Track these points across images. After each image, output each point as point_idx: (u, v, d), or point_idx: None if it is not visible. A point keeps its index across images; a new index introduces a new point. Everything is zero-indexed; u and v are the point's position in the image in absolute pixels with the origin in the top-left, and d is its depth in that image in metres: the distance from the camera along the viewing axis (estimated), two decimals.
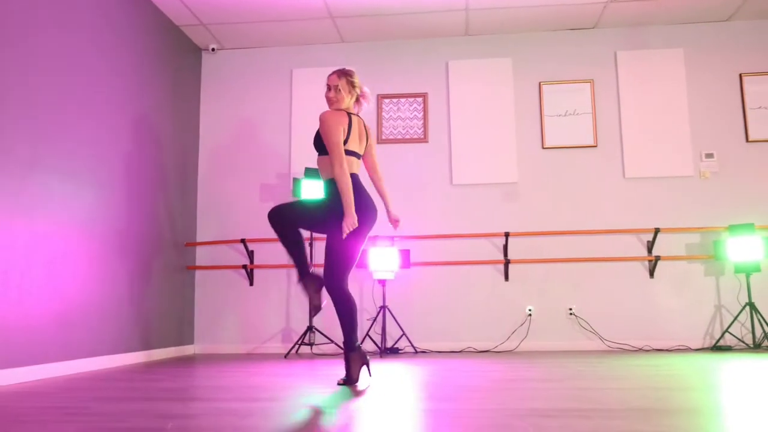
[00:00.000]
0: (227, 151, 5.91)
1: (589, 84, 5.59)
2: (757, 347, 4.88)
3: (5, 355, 3.27)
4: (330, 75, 3.21)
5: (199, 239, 5.79)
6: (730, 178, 5.37)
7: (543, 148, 5.58)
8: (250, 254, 5.65)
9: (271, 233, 5.66)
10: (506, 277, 5.44)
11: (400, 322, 5.35)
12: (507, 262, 5.38)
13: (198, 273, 5.76)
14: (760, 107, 5.41)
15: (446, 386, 2.85)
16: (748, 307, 5.02)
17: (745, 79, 5.46)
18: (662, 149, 5.44)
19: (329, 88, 3.18)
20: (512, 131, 5.59)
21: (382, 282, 5.27)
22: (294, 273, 5.63)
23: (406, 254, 5.25)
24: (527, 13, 5.37)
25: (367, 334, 5.29)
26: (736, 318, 5.04)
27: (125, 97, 4.59)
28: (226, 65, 6.01)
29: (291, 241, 3.04)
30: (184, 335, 5.51)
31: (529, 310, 5.37)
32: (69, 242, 3.88)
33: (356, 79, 3.21)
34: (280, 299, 5.65)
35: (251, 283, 5.68)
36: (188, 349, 5.54)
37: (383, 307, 5.23)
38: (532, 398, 2.37)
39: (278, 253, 5.64)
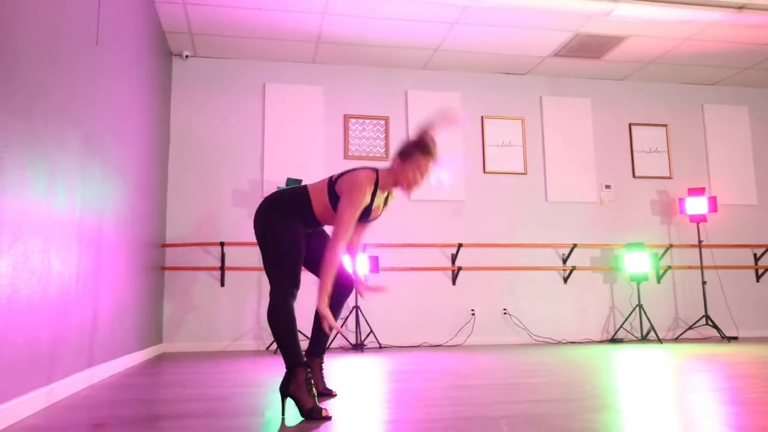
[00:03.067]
0: (197, 156, 6.07)
1: (520, 121, 6.71)
2: (644, 339, 6.30)
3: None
4: (434, 161, 2.48)
5: (168, 241, 5.88)
6: (623, 206, 6.80)
7: (484, 172, 6.57)
8: (223, 256, 5.89)
9: (246, 237, 5.99)
10: (453, 282, 6.33)
11: (368, 321, 5.97)
12: (458, 269, 6.28)
13: (167, 274, 5.85)
14: (642, 150, 6.93)
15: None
16: (638, 308, 6.43)
17: (633, 127, 6.94)
18: (575, 179, 6.72)
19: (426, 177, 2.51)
20: (460, 156, 6.51)
21: None
22: (265, 275, 5.99)
23: (375, 260, 5.90)
24: (477, 57, 6.33)
25: (338, 332, 5.84)
26: (628, 317, 6.40)
27: (114, 95, 4.59)
28: (198, 72, 6.17)
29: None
30: (156, 335, 5.56)
31: (472, 310, 6.31)
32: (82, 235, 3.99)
33: None
34: (250, 299, 5.95)
35: (222, 284, 5.92)
36: (160, 348, 5.60)
37: (356, 307, 5.82)
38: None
39: (249, 255, 5.97)
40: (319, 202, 2.47)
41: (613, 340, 6.35)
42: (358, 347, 5.72)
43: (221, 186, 6.08)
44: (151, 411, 2.34)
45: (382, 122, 6.44)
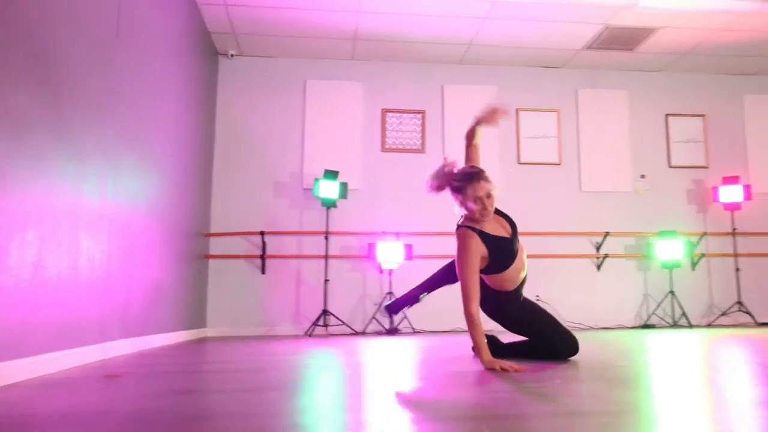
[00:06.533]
0: (241, 150, 6.42)
1: (556, 113, 6.83)
2: (675, 325, 6.36)
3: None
4: (478, 181, 2.75)
5: (212, 231, 6.25)
6: (658, 195, 6.84)
7: (519, 163, 6.72)
8: (264, 245, 6.23)
9: (286, 226, 6.32)
10: None
11: None
12: None
13: (211, 261, 6.22)
14: (679, 141, 6.94)
15: None
16: (670, 295, 6.48)
17: (670, 118, 6.97)
18: (610, 169, 6.80)
19: (488, 195, 2.77)
20: (495, 148, 6.68)
21: (390, 271, 6.13)
22: (304, 262, 6.31)
23: (409, 248, 6.14)
24: (512, 52, 6.47)
25: (374, 317, 6.13)
26: (660, 303, 6.49)
27: (166, 96, 4.81)
28: (243, 70, 6.52)
29: None
30: (200, 319, 5.93)
31: None
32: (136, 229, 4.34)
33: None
34: (289, 286, 6.28)
35: (263, 272, 6.26)
36: (203, 332, 5.97)
37: (389, 293, 6.09)
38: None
39: (288, 244, 6.29)
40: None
41: (646, 326, 6.43)
42: (393, 332, 5.98)
43: (263, 178, 6.42)
44: (161, 369, 2.66)
45: (419, 116, 6.67)
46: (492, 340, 3.08)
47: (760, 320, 6.46)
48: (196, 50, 5.56)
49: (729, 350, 3.48)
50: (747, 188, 6.40)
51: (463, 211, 2.83)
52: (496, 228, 2.85)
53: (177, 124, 4.94)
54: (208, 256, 6.17)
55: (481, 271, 2.78)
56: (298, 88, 6.57)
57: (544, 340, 2.91)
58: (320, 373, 2.63)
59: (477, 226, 2.77)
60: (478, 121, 3.03)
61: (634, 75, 7.01)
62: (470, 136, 3.09)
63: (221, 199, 6.32)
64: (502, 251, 2.80)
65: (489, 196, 2.74)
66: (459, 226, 2.81)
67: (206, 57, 6.01)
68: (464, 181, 2.75)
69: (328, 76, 6.61)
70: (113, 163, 3.40)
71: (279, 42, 6.21)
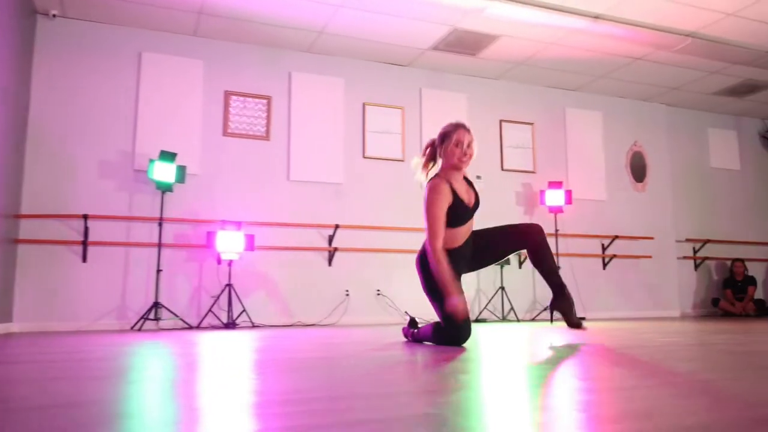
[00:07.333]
0: (61, 123, 5.70)
1: (400, 110, 6.95)
2: (504, 319, 6.76)
3: None
4: (464, 129, 3.09)
5: (23, 211, 5.47)
6: (491, 196, 7.17)
7: (363, 157, 6.73)
8: (86, 230, 5.59)
9: (112, 210, 5.74)
10: (329, 263, 6.43)
11: (241, 299, 5.91)
12: (334, 250, 6.38)
13: (21, 247, 5.44)
14: (510, 146, 7.42)
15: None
16: (500, 291, 6.87)
17: (503, 124, 7.42)
18: None
19: (468, 145, 3.07)
20: (341, 140, 6.63)
21: (229, 262, 5.80)
22: (133, 251, 5.77)
23: (251, 238, 5.86)
24: (362, 45, 6.47)
25: (210, 310, 5.75)
26: (491, 299, 6.85)
27: None
28: (66, 34, 5.80)
29: None
30: (4, 312, 5.16)
31: (347, 291, 6.44)
32: None
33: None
34: (115, 276, 5.69)
35: (84, 260, 5.61)
36: (7, 327, 5.19)
37: (229, 285, 5.76)
38: None
39: (115, 230, 5.71)
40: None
41: (478, 320, 6.75)
42: (230, 325, 5.66)
43: (87, 156, 5.75)
44: None
45: (264, 101, 6.40)
46: (412, 321, 3.55)
47: (577, 315, 7.07)
48: (9, 3, 4.82)
49: (554, 339, 3.72)
50: (568, 193, 7.00)
51: (432, 173, 3.11)
52: (462, 191, 3.08)
53: None
54: (17, 241, 5.38)
55: None
56: (131, 59, 5.99)
57: (443, 324, 3.07)
58: (148, 363, 2.36)
59: (449, 180, 3.03)
60: None
61: (474, 80, 7.37)
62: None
63: (35, 176, 5.55)
64: (460, 212, 3.03)
65: (469, 146, 3.04)
66: (432, 179, 3.05)
67: (21, 13, 5.24)
68: (452, 127, 3.08)
69: (166, 50, 6.11)
70: None
71: (112, 6, 5.61)
